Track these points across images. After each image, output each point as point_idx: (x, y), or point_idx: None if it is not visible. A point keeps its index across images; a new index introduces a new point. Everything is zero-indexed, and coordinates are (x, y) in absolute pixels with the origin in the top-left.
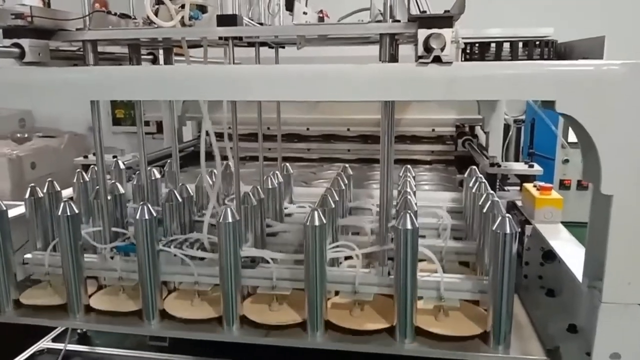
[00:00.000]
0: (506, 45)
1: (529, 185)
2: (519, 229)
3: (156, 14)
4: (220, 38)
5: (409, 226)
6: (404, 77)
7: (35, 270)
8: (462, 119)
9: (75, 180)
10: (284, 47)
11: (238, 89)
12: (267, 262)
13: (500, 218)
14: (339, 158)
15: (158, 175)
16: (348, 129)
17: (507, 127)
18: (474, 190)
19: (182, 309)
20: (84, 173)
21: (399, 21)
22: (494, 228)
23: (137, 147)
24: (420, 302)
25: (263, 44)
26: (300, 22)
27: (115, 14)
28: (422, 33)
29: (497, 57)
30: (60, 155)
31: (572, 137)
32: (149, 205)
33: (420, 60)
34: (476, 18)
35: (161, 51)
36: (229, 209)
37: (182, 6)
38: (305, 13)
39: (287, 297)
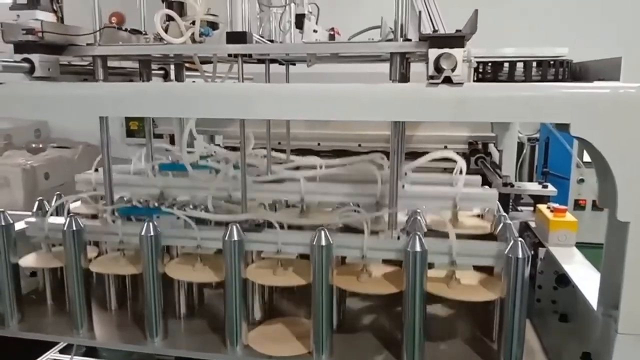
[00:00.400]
0: (519, 65)
1: (542, 207)
2: (532, 252)
3: (167, 30)
4: (229, 55)
5: (417, 248)
6: (413, 98)
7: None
8: (475, 137)
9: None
10: (294, 64)
11: (247, 107)
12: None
13: (512, 242)
14: None
15: None
16: (359, 145)
17: (521, 146)
18: (486, 211)
19: (184, 273)
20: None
21: (410, 40)
22: (506, 252)
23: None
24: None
25: (273, 60)
26: (310, 40)
27: (126, 30)
28: (433, 53)
29: (510, 77)
30: (74, 166)
31: (587, 157)
32: (154, 222)
33: (430, 81)
34: (490, 37)
35: (172, 66)
36: (234, 227)
37: (193, 23)
38: (315, 31)
39: (292, 262)
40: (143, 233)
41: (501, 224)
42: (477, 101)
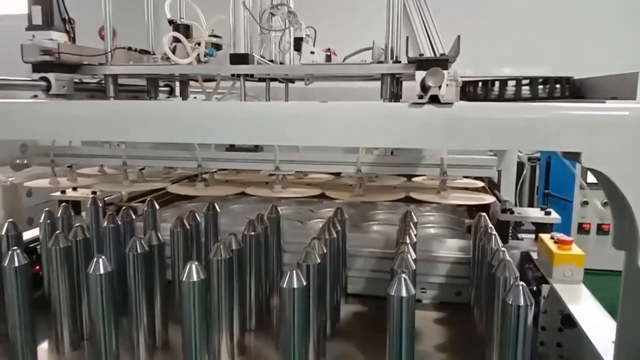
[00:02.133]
0: (511, 84)
1: (545, 237)
2: (535, 288)
3: (174, 51)
4: (232, 75)
5: (403, 293)
6: (393, 121)
7: None
8: None
9: (41, 220)
10: (293, 82)
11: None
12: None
13: (513, 286)
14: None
15: (134, 215)
16: None
17: (520, 166)
18: (482, 243)
19: (187, 190)
20: (52, 212)
21: (399, 62)
22: (505, 298)
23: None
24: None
25: (273, 79)
26: (307, 62)
27: (135, 50)
28: (420, 75)
29: (500, 97)
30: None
31: (591, 177)
32: (104, 259)
33: (415, 101)
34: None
35: (177, 83)
36: (194, 265)
37: (198, 44)
38: (312, 52)
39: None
40: (91, 271)
41: (499, 262)
42: (470, 124)
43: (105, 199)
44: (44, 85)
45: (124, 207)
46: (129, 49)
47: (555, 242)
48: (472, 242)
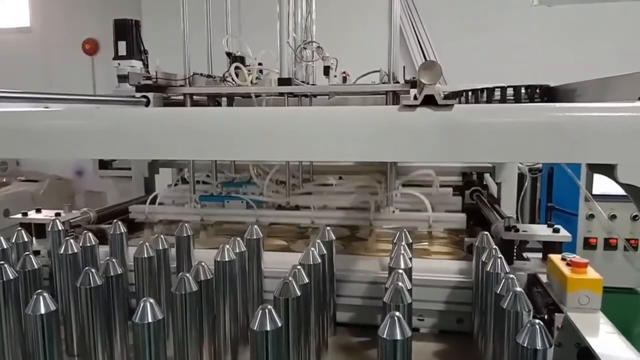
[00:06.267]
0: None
1: (556, 258)
2: (546, 316)
3: (236, 76)
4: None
5: (398, 336)
6: (377, 127)
7: None
8: (470, 167)
9: None
10: (315, 97)
11: None
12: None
13: (528, 324)
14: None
15: (94, 241)
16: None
17: (521, 177)
18: (488, 269)
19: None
20: (2, 239)
21: (398, 82)
22: (519, 340)
23: (124, 191)
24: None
25: (304, 95)
26: (333, 83)
27: (202, 75)
28: (414, 90)
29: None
30: (39, 201)
31: (596, 189)
32: (46, 296)
33: (405, 102)
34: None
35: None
36: (148, 303)
37: (250, 71)
38: (335, 76)
39: None
40: (30, 312)
41: (510, 294)
42: (476, 131)
43: (72, 220)
44: (144, 101)
45: (85, 231)
46: (201, 74)
47: (568, 264)
48: (474, 264)
